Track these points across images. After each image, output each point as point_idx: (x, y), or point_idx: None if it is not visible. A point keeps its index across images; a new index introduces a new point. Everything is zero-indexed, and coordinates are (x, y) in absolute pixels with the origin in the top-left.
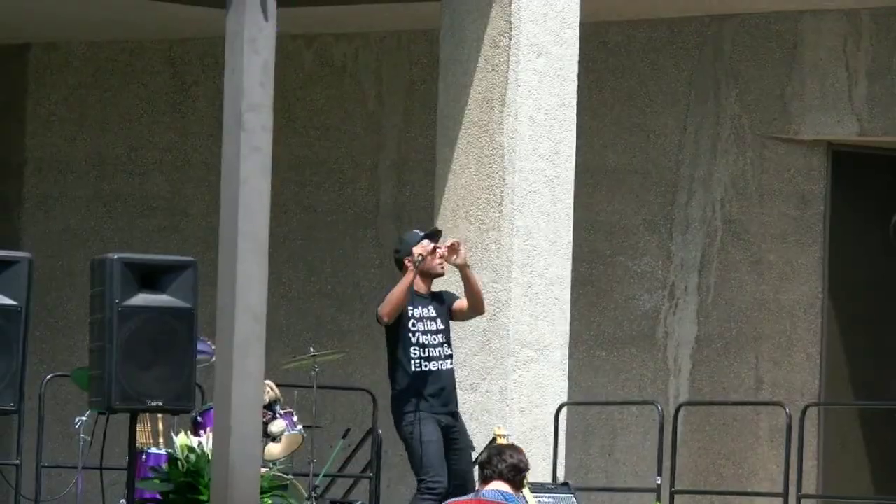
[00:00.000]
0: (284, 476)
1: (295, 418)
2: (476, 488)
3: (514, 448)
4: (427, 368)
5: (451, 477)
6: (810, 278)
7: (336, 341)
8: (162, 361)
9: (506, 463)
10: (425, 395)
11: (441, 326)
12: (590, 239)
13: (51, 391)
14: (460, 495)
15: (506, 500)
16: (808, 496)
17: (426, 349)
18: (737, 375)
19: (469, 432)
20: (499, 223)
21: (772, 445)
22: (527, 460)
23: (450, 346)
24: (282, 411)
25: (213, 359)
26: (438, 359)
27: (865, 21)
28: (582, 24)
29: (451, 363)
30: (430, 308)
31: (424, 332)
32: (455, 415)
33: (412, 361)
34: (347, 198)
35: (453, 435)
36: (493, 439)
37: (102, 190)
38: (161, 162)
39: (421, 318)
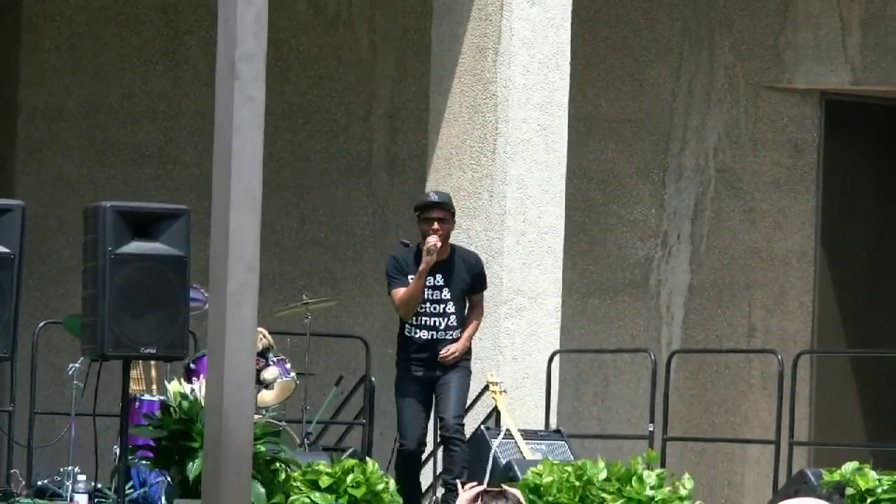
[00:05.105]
0: (277, 423)
1: (288, 365)
2: None
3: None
4: (416, 335)
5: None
6: (803, 227)
7: (329, 289)
8: (155, 309)
9: None
10: (408, 358)
11: (447, 296)
12: (583, 187)
13: (44, 338)
14: (445, 435)
15: None
16: (799, 443)
17: (419, 318)
18: (729, 323)
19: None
20: (492, 172)
21: (764, 393)
22: None
23: (457, 317)
24: (274, 358)
25: (206, 306)
26: (435, 328)
27: None
28: None
29: (453, 334)
30: (438, 277)
31: (423, 301)
32: (445, 368)
33: (405, 326)
34: (340, 147)
35: (438, 390)
36: (486, 386)
37: (95, 138)
38: (154, 111)
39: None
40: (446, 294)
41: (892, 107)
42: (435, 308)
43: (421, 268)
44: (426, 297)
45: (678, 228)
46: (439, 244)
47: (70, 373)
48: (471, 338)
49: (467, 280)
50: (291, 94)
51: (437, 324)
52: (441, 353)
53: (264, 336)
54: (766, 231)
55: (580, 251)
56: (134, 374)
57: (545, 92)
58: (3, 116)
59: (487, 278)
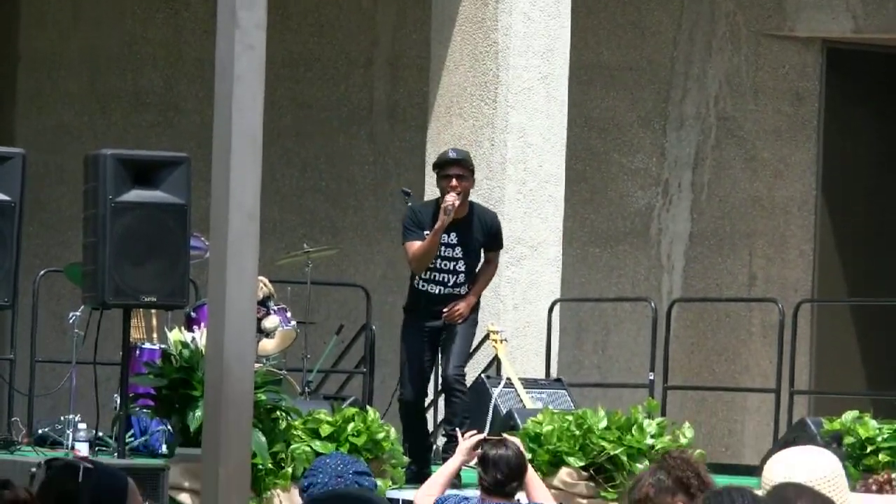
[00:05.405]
0: (278, 371)
1: (288, 314)
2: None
3: (498, 455)
4: (425, 289)
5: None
6: (804, 175)
7: (330, 237)
8: (155, 257)
9: (486, 480)
10: (416, 309)
11: (459, 254)
12: (584, 136)
13: (45, 286)
14: (445, 386)
15: None
16: (800, 392)
17: (430, 273)
18: (730, 272)
19: None
20: (493, 120)
21: (764, 342)
22: (514, 460)
23: (466, 275)
24: (275, 307)
25: (207, 255)
26: (444, 284)
27: None
28: None
29: (463, 290)
30: (452, 235)
31: (435, 257)
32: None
33: (419, 276)
34: (341, 95)
35: (443, 341)
36: (487, 335)
37: (96, 86)
38: (155, 58)
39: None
40: (458, 252)
41: (893, 55)
42: (446, 265)
43: (437, 226)
44: (439, 253)
45: (679, 177)
46: (457, 203)
47: (71, 321)
48: (479, 294)
49: (480, 240)
50: (292, 41)
51: (447, 280)
52: (445, 311)
53: (265, 284)
54: (766, 179)
55: (581, 200)
56: (134, 322)
57: (546, 40)
58: (3, 64)
59: None
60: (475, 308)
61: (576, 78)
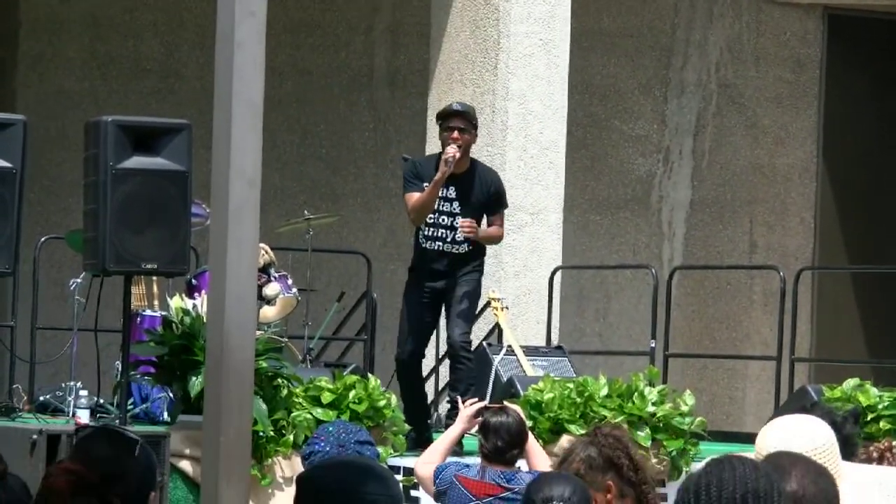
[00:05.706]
0: (279, 339)
1: (289, 281)
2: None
3: (499, 423)
4: (426, 246)
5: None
6: (805, 142)
7: (330, 204)
8: (156, 224)
9: (487, 447)
10: (418, 266)
11: (457, 209)
12: (584, 103)
13: (45, 253)
14: (451, 352)
15: (507, 481)
16: (801, 359)
17: (429, 228)
18: (731, 239)
19: None
20: (493, 87)
21: (765, 309)
22: (515, 427)
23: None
24: (276, 274)
25: (208, 222)
26: (442, 240)
27: None
28: None
29: (462, 248)
30: (451, 189)
31: (433, 211)
32: (455, 277)
33: (420, 233)
34: (342, 61)
35: (447, 303)
36: (488, 303)
37: (97, 52)
38: (156, 24)
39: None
40: (456, 207)
41: (894, 21)
42: (444, 220)
43: (436, 177)
44: (438, 207)
45: (680, 144)
46: (458, 155)
47: (72, 288)
48: (487, 237)
49: (481, 198)
50: (293, 8)
51: (445, 235)
52: (459, 225)
53: (266, 252)
54: (767, 147)
55: (582, 167)
56: (135, 289)
57: (547, 6)
58: (4, 29)
59: None
60: (479, 266)
61: (576, 44)
